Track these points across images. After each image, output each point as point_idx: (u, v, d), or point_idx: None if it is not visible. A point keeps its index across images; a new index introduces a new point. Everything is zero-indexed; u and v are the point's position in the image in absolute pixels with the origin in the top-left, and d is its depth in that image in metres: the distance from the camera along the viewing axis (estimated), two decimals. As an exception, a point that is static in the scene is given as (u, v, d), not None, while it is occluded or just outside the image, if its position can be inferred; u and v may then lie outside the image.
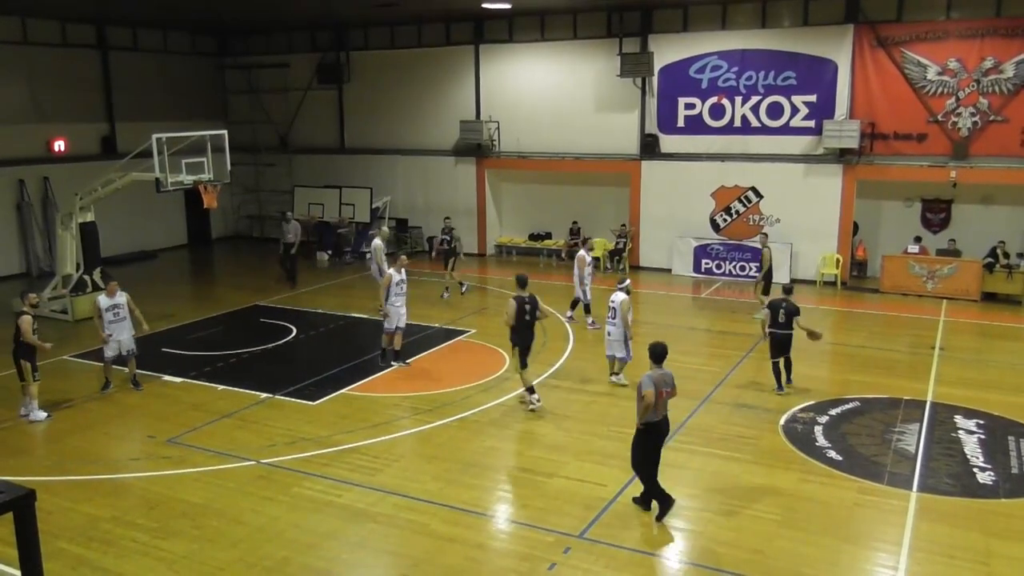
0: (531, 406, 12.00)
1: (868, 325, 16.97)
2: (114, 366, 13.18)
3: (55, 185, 22.52)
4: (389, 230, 19.24)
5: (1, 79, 21.63)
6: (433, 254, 19.59)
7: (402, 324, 14.15)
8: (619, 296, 12.93)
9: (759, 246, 18.23)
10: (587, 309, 16.66)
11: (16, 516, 2.61)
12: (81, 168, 21.68)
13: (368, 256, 19.48)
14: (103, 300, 12.95)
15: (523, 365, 12.06)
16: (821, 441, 10.84)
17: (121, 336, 12.98)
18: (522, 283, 12.19)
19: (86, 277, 17.72)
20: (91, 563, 8.06)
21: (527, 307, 11.98)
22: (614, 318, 12.89)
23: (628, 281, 13.51)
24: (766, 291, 17.13)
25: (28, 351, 11.63)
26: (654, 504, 8.91)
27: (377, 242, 17.91)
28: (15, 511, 2.59)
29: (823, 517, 8.86)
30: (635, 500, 9.09)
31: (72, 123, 23.33)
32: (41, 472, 10.14)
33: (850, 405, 12.14)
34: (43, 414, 11.80)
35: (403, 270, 14.22)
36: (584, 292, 16.55)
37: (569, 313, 16.91)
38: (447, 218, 20.75)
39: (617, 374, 13.09)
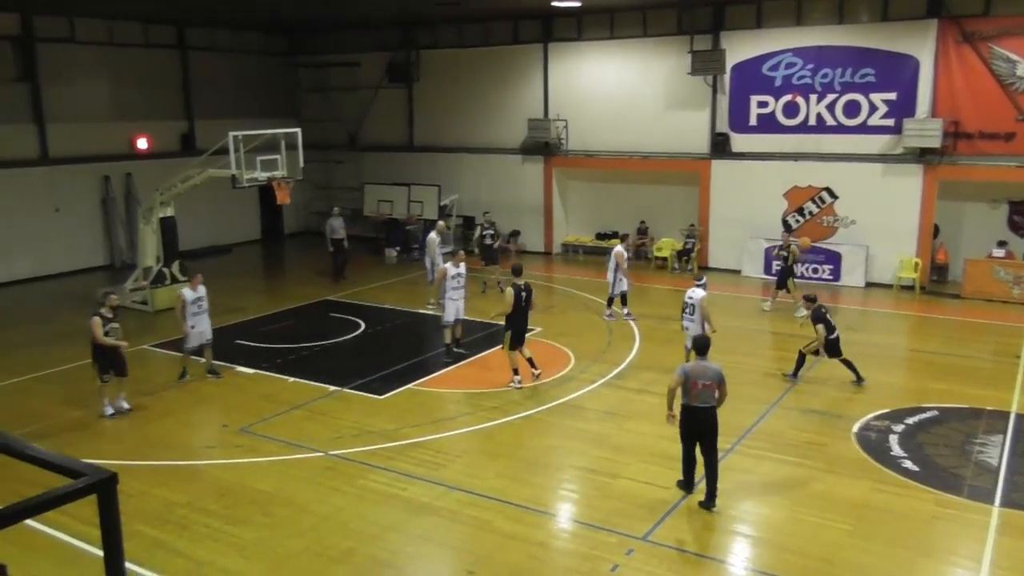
0: (514, 385, 12.79)
1: (948, 331, 16.40)
2: (191, 356, 13.56)
3: (137, 181, 23.32)
4: (446, 225, 19.34)
5: (89, 79, 22.50)
6: (475, 249, 20.17)
7: (461, 315, 14.54)
8: (698, 292, 13.05)
9: (793, 241, 18.05)
10: (611, 302, 17.02)
11: (99, 498, 2.70)
12: (162, 164, 22.39)
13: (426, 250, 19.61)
14: (188, 293, 13.21)
15: (512, 347, 12.89)
16: (896, 450, 10.52)
17: (203, 327, 13.31)
18: (517, 272, 13.21)
19: (165, 270, 18.30)
20: (167, 545, 8.33)
21: (523, 295, 12.89)
22: (692, 314, 12.99)
23: (705, 278, 13.62)
24: (782, 285, 17.49)
25: (99, 352, 11.65)
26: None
27: (432, 236, 18.09)
28: (98, 493, 2.68)
29: (896, 529, 8.59)
30: (700, 504, 9.00)
31: (154, 121, 24.12)
32: (122, 456, 10.52)
33: (928, 414, 11.75)
34: (110, 410, 11.91)
35: (461, 264, 14.52)
36: (614, 285, 16.80)
37: (626, 310, 17.01)
38: (486, 213, 21.14)
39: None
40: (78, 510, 3.60)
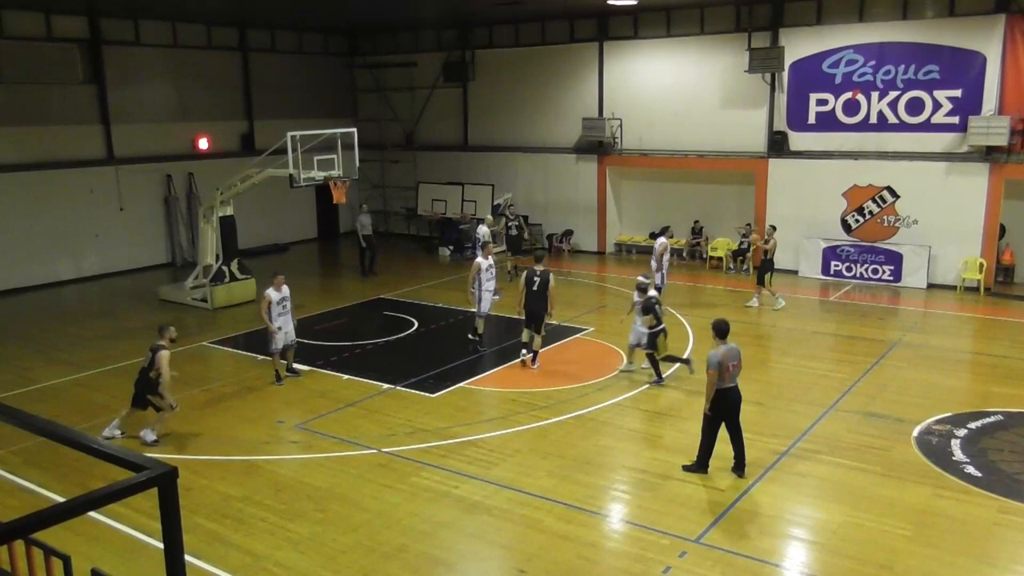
0: (521, 357, 13.75)
1: (1014, 334, 15.88)
2: (280, 359, 13.40)
3: (198, 180, 23.87)
4: (493, 220, 20.03)
5: (153, 81, 23.07)
6: (504, 244, 21.36)
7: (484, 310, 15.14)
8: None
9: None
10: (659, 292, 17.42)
11: (160, 492, 2.77)
12: (222, 164, 22.91)
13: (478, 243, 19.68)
14: (273, 293, 13.07)
15: (527, 325, 13.66)
16: (958, 455, 10.24)
17: (287, 327, 13.29)
18: (538, 259, 14.13)
19: (224, 268, 18.69)
20: (224, 539, 8.51)
21: (535, 279, 13.57)
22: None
23: (642, 278, 13.75)
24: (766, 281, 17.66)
25: (154, 387, 10.80)
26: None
27: (483, 228, 18.57)
28: (159, 487, 2.75)
29: (959, 535, 8.37)
30: (734, 471, 9.66)
31: (215, 121, 24.66)
32: (181, 451, 10.79)
33: (992, 419, 11.40)
34: (152, 436, 10.99)
35: (490, 256, 15.20)
36: (662, 277, 17.11)
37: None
38: (511, 206, 22.75)
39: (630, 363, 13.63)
40: (138, 502, 3.71)
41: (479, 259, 15.14)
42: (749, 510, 8.91)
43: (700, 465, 9.72)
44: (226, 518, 8.95)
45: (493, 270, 15.17)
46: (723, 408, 9.52)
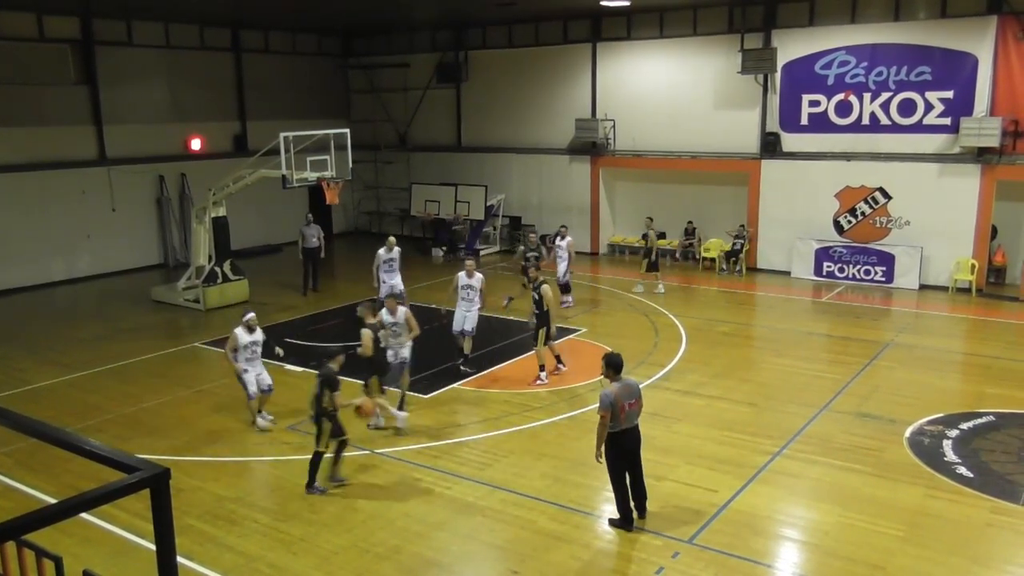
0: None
1: (1006, 335, 15.95)
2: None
3: (191, 181, 23.81)
4: (395, 241, 17.33)
5: (146, 81, 23.01)
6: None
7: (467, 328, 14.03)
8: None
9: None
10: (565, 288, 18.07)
11: (152, 493, 2.76)
12: (215, 165, 22.84)
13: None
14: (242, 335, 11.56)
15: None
16: (950, 456, 10.27)
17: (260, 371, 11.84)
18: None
19: (217, 269, 18.63)
20: (217, 540, 8.49)
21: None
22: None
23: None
24: (653, 268, 19.21)
25: None
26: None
27: (380, 251, 17.09)
28: (152, 488, 2.75)
29: (951, 536, 8.39)
30: (638, 514, 8.66)
31: (208, 122, 24.59)
32: (173, 451, 10.75)
33: (984, 419, 11.45)
34: None
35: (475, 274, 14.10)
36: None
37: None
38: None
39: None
40: (128, 503, 3.70)
41: (459, 274, 14.10)
42: (742, 511, 8.92)
43: (623, 520, 8.54)
44: (219, 519, 8.93)
45: (469, 291, 13.96)
46: (621, 451, 8.43)
